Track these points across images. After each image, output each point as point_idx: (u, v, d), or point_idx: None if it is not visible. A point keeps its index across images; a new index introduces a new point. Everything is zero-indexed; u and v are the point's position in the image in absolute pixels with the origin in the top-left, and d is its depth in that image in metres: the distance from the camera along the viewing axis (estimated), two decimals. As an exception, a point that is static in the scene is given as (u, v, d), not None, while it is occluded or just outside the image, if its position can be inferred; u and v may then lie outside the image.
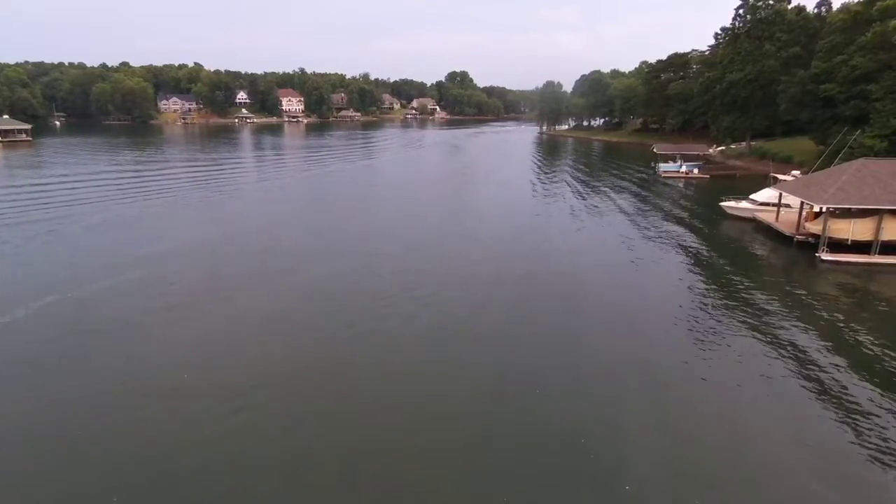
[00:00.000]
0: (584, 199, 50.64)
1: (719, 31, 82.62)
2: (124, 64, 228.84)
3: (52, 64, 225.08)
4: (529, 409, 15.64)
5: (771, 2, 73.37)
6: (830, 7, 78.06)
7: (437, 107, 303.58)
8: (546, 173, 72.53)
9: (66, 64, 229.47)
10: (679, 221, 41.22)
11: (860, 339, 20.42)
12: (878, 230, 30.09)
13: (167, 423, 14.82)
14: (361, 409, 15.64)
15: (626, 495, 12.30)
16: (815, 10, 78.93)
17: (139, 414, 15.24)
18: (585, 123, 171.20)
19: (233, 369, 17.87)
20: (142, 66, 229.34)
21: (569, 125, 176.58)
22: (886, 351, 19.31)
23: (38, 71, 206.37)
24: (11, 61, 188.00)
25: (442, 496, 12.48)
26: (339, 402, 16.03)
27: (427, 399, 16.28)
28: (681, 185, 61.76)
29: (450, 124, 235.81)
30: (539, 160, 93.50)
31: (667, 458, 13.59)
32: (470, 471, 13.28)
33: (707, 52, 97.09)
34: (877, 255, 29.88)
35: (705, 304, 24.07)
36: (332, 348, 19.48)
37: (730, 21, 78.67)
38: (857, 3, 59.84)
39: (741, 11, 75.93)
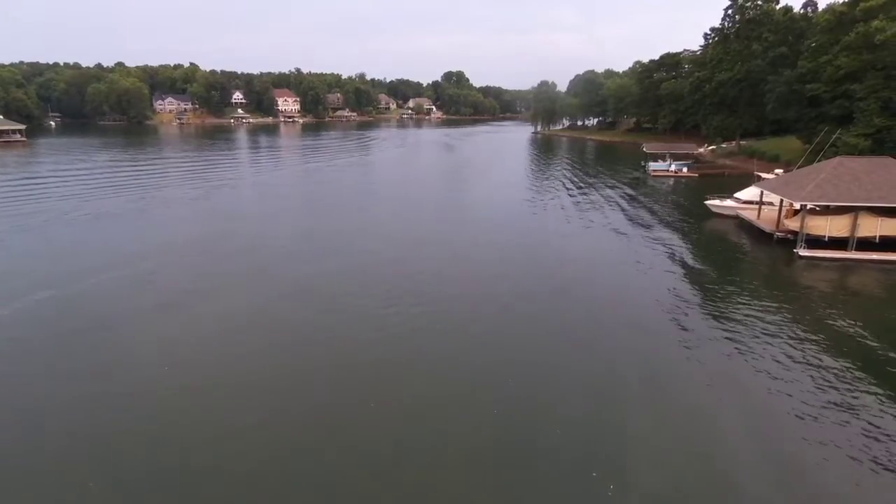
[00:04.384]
0: (576, 198, 51.23)
1: (709, 32, 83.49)
2: (120, 64, 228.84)
3: (48, 64, 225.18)
4: (519, 398, 16.30)
5: (759, 2, 74.22)
6: (816, 7, 79.02)
7: (434, 107, 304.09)
8: (539, 173, 73.17)
9: (62, 64, 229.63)
10: (666, 219, 41.88)
11: (834, 329, 21.08)
12: (854, 227, 30.80)
13: (155, 423, 15.15)
14: (360, 409, 15.79)
15: (593, 481, 12.91)
16: (802, 11, 79.81)
17: (124, 414, 15.65)
18: (579, 123, 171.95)
19: (224, 369, 18.27)
20: (137, 67, 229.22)
21: (563, 125, 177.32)
22: (857, 339, 20.02)
23: (33, 71, 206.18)
24: (6, 61, 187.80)
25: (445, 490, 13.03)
26: (338, 402, 16.19)
27: (424, 398, 16.52)
28: (670, 183, 62.47)
29: (446, 124, 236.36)
30: (532, 160, 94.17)
31: (645, 447, 14.16)
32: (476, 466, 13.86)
33: (698, 52, 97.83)
34: (853, 251, 30.58)
35: (686, 299, 24.64)
36: (331, 348, 19.69)
37: (719, 21, 79.67)
38: (842, 3, 60.65)
39: (730, 12, 76.81)
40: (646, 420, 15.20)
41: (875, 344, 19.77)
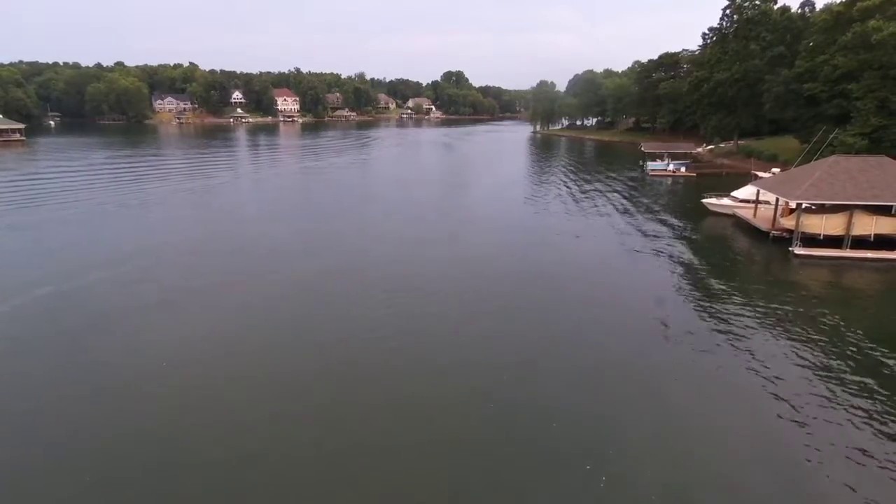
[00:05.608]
0: (575, 198, 51.37)
1: (707, 31, 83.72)
2: (119, 64, 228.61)
3: (47, 64, 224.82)
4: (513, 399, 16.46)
5: (757, 2, 74.41)
6: (814, 7, 79.24)
7: (433, 106, 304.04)
8: (538, 172, 73.33)
9: (61, 64, 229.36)
10: (663, 218, 42.02)
11: (829, 327, 21.26)
12: (849, 225, 30.95)
13: (153, 419, 15.29)
14: (359, 408, 15.84)
15: (586, 474, 13.08)
16: (799, 11, 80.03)
17: (122, 410, 15.81)
18: (578, 123, 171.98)
19: (223, 366, 18.38)
20: (137, 66, 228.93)
21: (562, 124, 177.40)
22: (852, 338, 20.18)
23: (33, 71, 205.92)
24: (6, 61, 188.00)
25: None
26: (337, 400, 16.24)
27: (423, 397, 16.60)
28: (668, 182, 62.63)
29: (445, 124, 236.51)
30: (532, 159, 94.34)
31: (639, 443, 14.34)
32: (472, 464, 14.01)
33: (696, 52, 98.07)
34: (848, 250, 30.74)
35: (682, 298, 24.85)
36: (330, 348, 19.77)
37: (717, 21, 79.87)
38: (839, 3, 60.84)
39: (728, 11, 76.99)
40: (641, 417, 15.36)
41: (870, 342, 19.89)
